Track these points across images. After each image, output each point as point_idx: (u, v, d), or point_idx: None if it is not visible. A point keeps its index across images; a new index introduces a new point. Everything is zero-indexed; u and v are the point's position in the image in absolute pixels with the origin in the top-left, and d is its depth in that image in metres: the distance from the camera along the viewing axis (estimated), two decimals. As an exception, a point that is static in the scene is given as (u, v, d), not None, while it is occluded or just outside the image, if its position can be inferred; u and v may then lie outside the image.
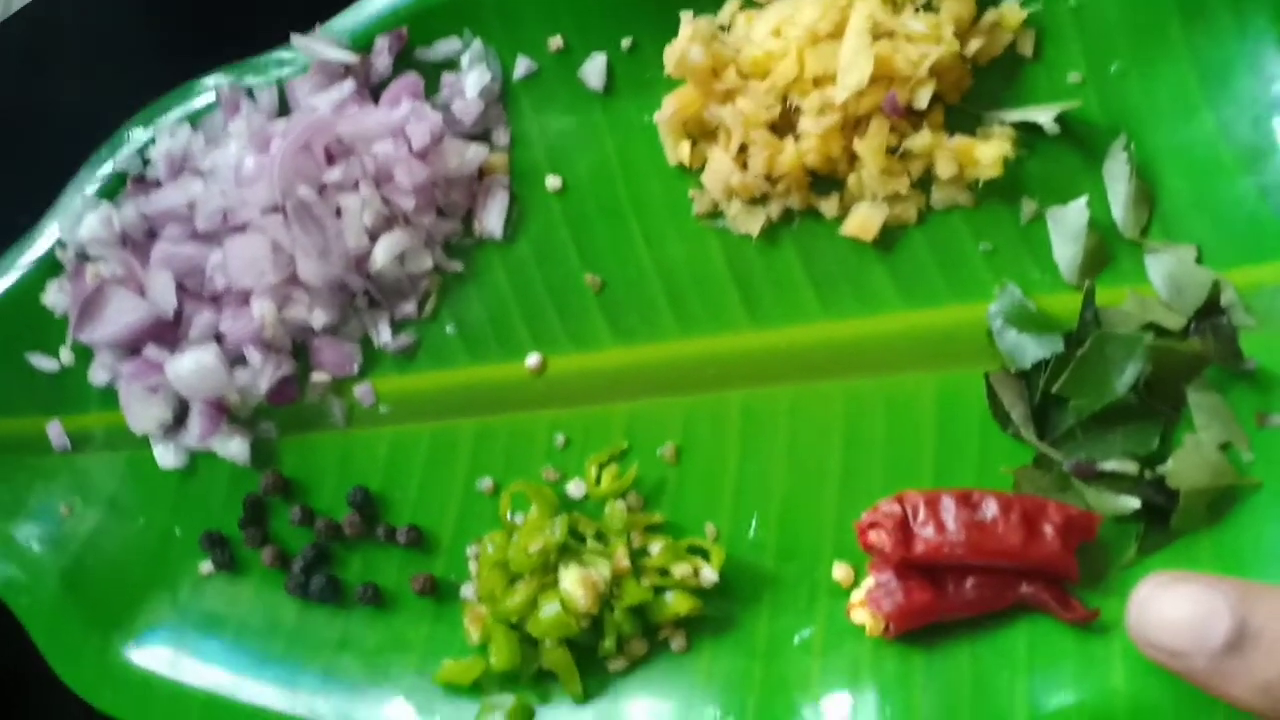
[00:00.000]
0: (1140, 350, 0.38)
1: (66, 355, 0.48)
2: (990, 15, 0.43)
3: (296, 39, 0.46)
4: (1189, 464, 0.37)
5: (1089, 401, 0.38)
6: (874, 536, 0.38)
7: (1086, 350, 0.38)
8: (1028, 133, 0.42)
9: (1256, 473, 0.38)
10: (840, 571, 0.41)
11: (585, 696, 0.41)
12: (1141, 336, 0.38)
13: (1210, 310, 0.39)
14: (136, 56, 0.50)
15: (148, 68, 0.49)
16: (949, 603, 0.38)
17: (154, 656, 0.45)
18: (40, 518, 0.47)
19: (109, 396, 0.48)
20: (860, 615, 0.39)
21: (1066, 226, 0.41)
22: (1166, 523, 0.38)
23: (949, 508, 0.38)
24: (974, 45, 0.43)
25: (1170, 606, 0.32)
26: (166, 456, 0.46)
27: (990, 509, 0.38)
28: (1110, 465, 0.38)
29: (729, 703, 0.40)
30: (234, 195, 0.44)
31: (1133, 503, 0.38)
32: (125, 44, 0.50)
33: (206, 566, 0.45)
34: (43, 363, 0.48)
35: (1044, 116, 0.42)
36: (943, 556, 0.38)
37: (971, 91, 0.43)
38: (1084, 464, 0.39)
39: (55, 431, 0.48)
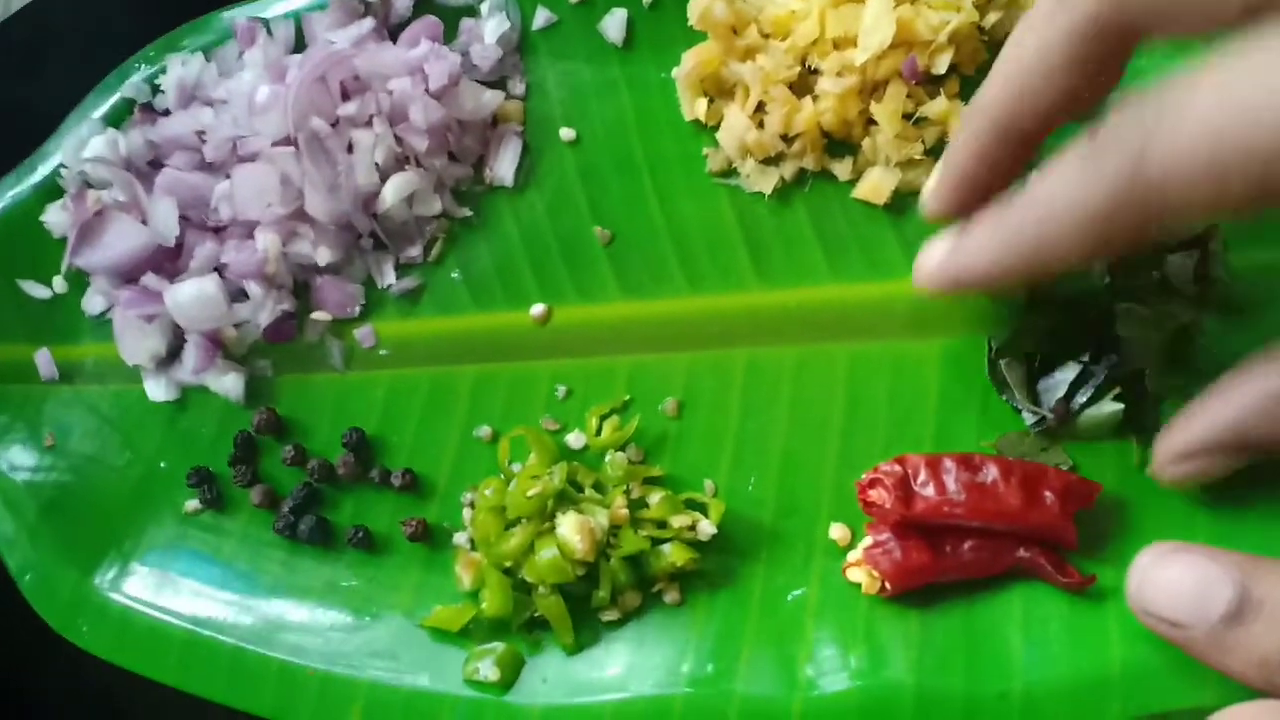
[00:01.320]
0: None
1: (60, 283, 0.47)
2: (1009, -11, 0.43)
3: (317, -26, 0.46)
4: (1131, 317, 0.39)
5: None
6: (874, 494, 0.38)
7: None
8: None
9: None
10: (837, 531, 0.41)
11: (576, 647, 0.40)
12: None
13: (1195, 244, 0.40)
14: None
15: None
16: (946, 564, 0.38)
17: (134, 593, 0.44)
18: (23, 446, 0.46)
19: (101, 328, 0.47)
20: (857, 574, 0.39)
21: None
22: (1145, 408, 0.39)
23: (950, 469, 0.38)
24: (992, 18, 0.43)
25: (1171, 576, 0.32)
26: (158, 390, 0.46)
27: (991, 472, 0.38)
28: (1068, 373, 0.39)
29: (721, 657, 0.40)
30: (245, 124, 0.44)
31: (1113, 405, 0.39)
32: (125, 44, 0.49)
33: (193, 504, 0.45)
34: (35, 290, 0.47)
35: (1059, 90, 0.42)
36: (942, 516, 0.38)
37: (986, 64, 0.44)
38: (1059, 405, 0.39)
39: (44, 359, 0.47)
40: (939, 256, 0.36)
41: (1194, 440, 0.35)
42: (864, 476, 0.39)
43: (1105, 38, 0.31)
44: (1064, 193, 0.30)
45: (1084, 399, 0.39)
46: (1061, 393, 0.39)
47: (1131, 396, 0.39)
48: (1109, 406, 0.39)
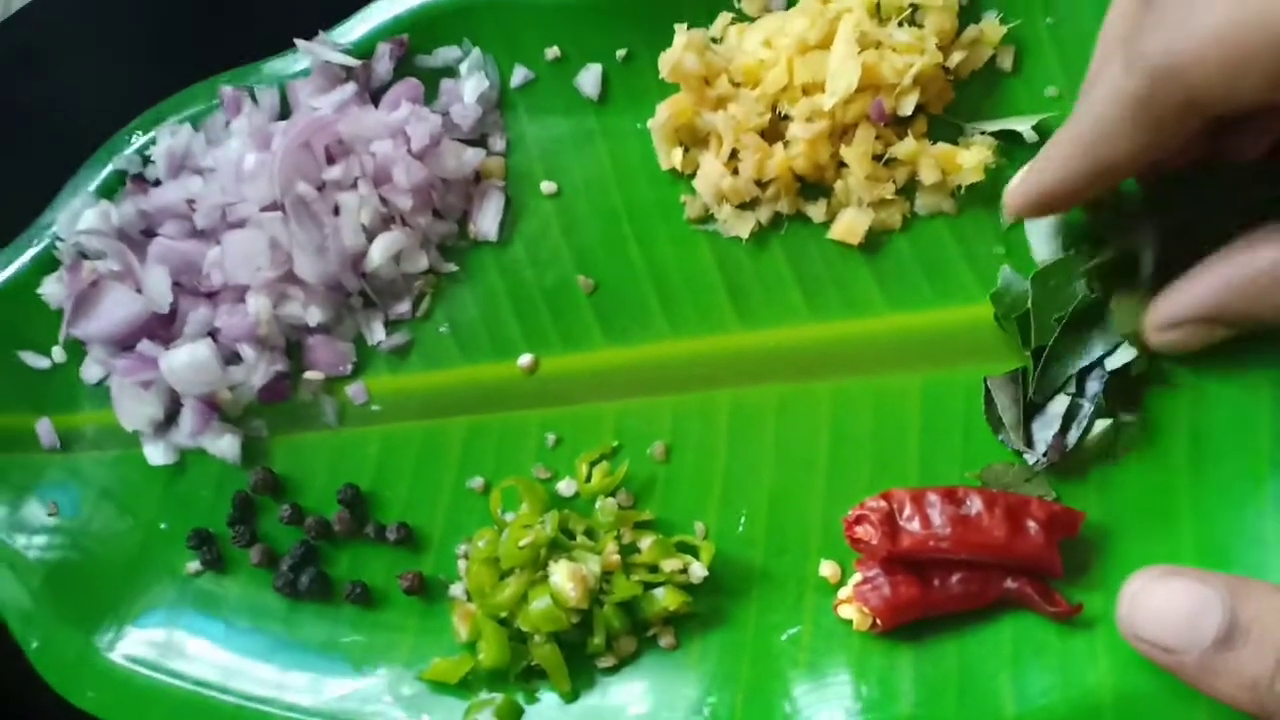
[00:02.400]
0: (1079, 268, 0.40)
1: (59, 353, 0.48)
2: (972, 30, 0.45)
3: (300, 43, 0.47)
4: (1124, 305, 0.39)
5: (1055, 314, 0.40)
6: (860, 531, 0.39)
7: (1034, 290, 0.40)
8: (1008, 142, 0.44)
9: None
10: (827, 569, 0.41)
11: (573, 694, 0.41)
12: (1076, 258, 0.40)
13: None
14: (136, 57, 0.51)
15: (148, 68, 0.50)
16: (935, 598, 0.39)
17: (137, 655, 0.44)
18: (26, 515, 0.47)
19: (99, 395, 0.48)
20: (847, 611, 0.40)
21: (1043, 230, 0.42)
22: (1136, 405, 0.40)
23: (934, 503, 0.39)
24: (956, 58, 0.44)
25: (1162, 600, 0.32)
26: (156, 454, 0.46)
27: (975, 504, 0.38)
28: (1058, 406, 0.40)
29: (717, 699, 0.40)
30: (234, 191, 0.45)
31: (1102, 423, 0.39)
32: (125, 44, 0.51)
33: (194, 565, 0.45)
34: (35, 360, 0.48)
35: (1023, 126, 0.43)
36: (928, 550, 0.38)
37: (953, 103, 0.45)
38: (1055, 440, 0.40)
39: (45, 429, 0.48)
40: (1020, 180, 0.38)
41: (1181, 310, 0.37)
42: (850, 513, 0.39)
43: (1168, 111, 0.32)
44: (1106, 90, 0.32)
45: (1078, 432, 0.40)
46: (1055, 428, 0.40)
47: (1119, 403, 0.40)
48: (1099, 426, 0.40)
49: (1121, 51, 0.32)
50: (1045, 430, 0.40)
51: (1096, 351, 0.40)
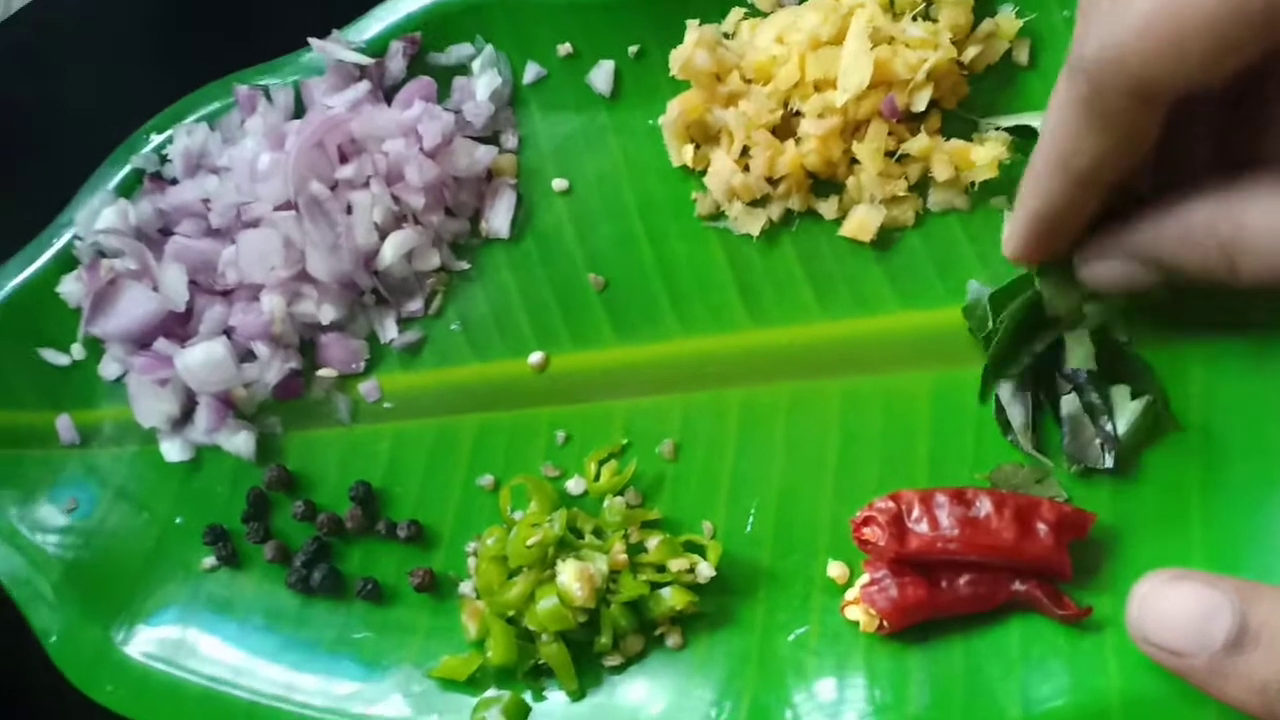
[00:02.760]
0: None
1: (78, 350, 0.49)
2: (987, 24, 0.44)
3: (314, 41, 0.47)
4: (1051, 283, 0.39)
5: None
6: (868, 532, 0.39)
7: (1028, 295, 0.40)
8: (1023, 138, 0.43)
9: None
10: (836, 569, 0.41)
11: (580, 693, 0.41)
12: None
13: None
14: (138, 57, 0.51)
15: (150, 68, 0.51)
16: (943, 600, 0.38)
17: (153, 650, 0.45)
18: (45, 510, 0.48)
19: (117, 392, 0.49)
20: (854, 612, 0.40)
21: None
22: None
23: (943, 504, 0.38)
24: (971, 52, 0.44)
25: (1171, 604, 0.32)
26: (173, 451, 0.47)
27: (984, 506, 0.38)
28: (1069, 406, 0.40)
29: (724, 699, 0.40)
30: (248, 191, 0.46)
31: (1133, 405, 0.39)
32: (126, 44, 0.51)
33: (209, 561, 0.46)
34: (55, 357, 0.49)
35: (1039, 121, 0.42)
36: (936, 552, 0.38)
37: (968, 99, 0.44)
38: (1070, 445, 0.39)
39: (64, 425, 0.48)
40: (1009, 227, 0.38)
41: (1111, 243, 0.36)
42: (858, 514, 0.39)
43: (1119, 105, 0.32)
44: (1058, 101, 0.33)
45: (1094, 429, 0.39)
46: (1068, 430, 0.40)
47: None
48: (1127, 415, 0.39)
49: (1066, 65, 0.32)
50: (1074, 438, 0.40)
51: (1039, 345, 0.40)
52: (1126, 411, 0.39)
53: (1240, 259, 0.32)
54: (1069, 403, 0.40)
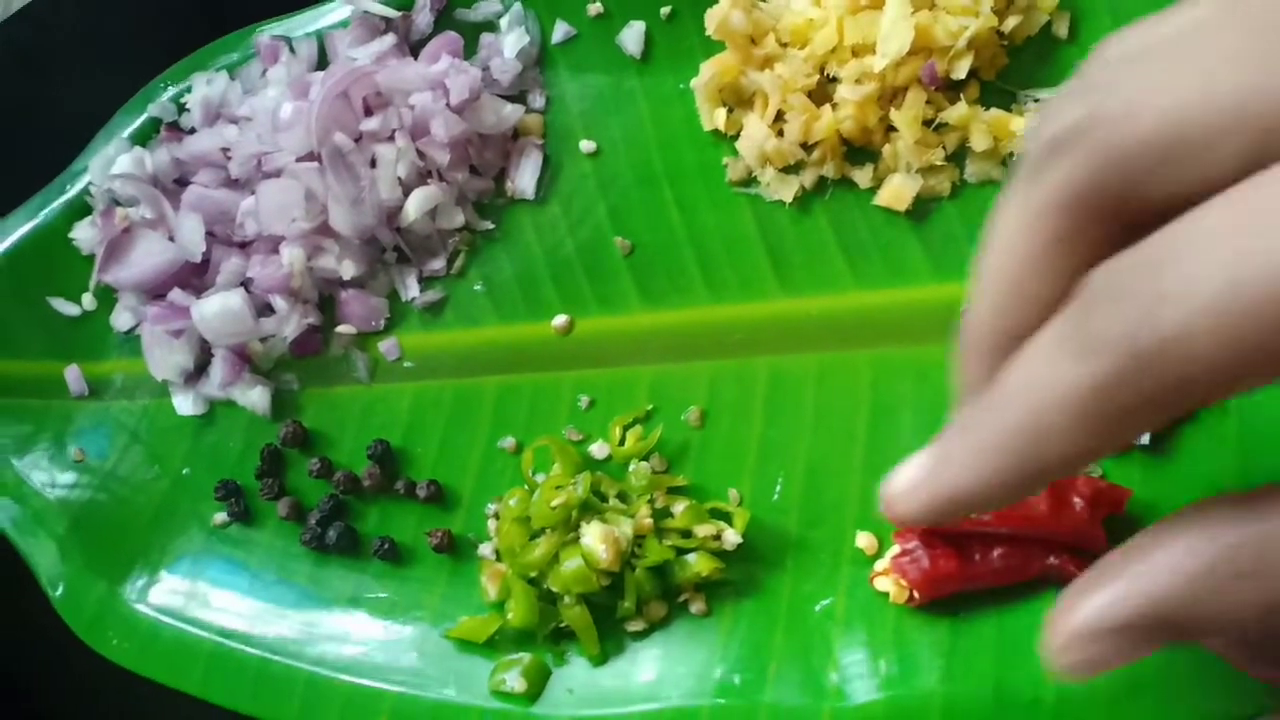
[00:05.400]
0: None
1: (88, 300, 0.48)
2: (1028, -6, 0.43)
3: (340, -9, 0.46)
4: None
5: None
6: None
7: None
8: (1063, 110, 0.42)
9: None
10: (864, 540, 0.40)
11: (602, 658, 0.40)
12: None
13: None
14: (138, 57, 0.50)
15: (149, 68, 0.50)
16: (974, 572, 0.38)
17: (161, 604, 0.44)
18: (53, 461, 0.47)
19: (129, 344, 0.47)
20: (884, 583, 0.39)
21: None
22: None
23: None
24: (1011, 23, 0.43)
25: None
26: (185, 404, 0.46)
27: None
28: None
29: (749, 667, 0.39)
30: (270, 141, 0.45)
31: None
32: (126, 44, 0.50)
33: (220, 517, 0.45)
34: (65, 307, 0.48)
35: (1080, 93, 0.42)
36: (969, 524, 0.37)
37: (1006, 70, 0.44)
38: None
39: (73, 376, 0.47)
40: (912, 479, 0.26)
41: (1103, 617, 0.23)
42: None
43: (1085, 213, 0.23)
44: (1051, 378, 0.21)
45: None
46: None
47: None
48: None
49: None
50: None
51: None
52: None
53: None
54: None
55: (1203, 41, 0.20)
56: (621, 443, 0.43)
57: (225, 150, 0.46)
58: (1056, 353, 0.21)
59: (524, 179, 0.46)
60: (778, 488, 0.42)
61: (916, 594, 0.38)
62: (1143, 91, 0.21)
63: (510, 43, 0.47)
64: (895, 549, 0.39)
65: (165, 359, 0.45)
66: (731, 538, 0.40)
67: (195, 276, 0.46)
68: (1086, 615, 0.23)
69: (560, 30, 0.47)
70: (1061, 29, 0.44)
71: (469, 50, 0.47)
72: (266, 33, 0.48)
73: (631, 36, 0.47)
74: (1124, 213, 0.22)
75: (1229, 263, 0.19)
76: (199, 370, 0.46)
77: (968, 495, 0.24)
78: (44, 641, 0.44)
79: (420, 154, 0.45)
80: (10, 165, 0.49)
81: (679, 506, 0.41)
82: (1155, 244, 0.20)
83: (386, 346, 0.46)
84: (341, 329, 0.46)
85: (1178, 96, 0.20)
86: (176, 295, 0.45)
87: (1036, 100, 0.43)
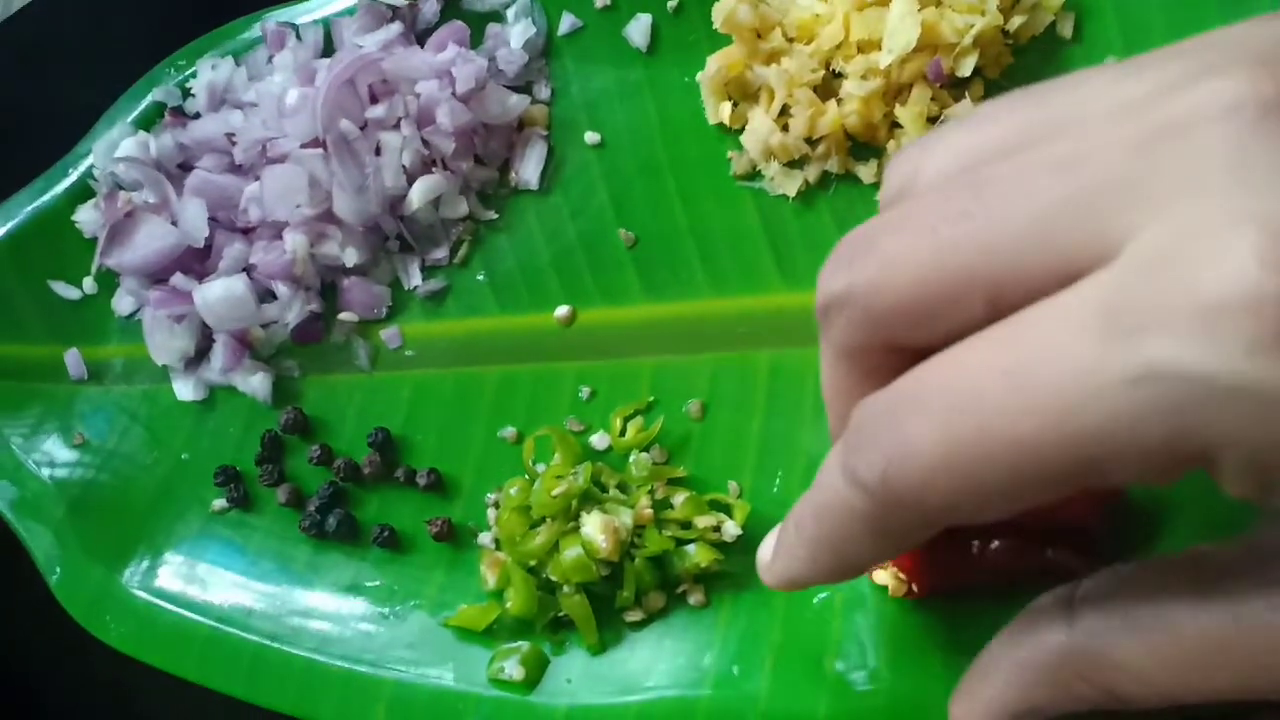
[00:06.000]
0: None
1: (89, 285, 0.48)
2: (1033, -6, 0.44)
3: (346, -22, 0.46)
4: None
5: None
6: None
7: None
8: (1067, 109, 0.43)
9: None
10: (863, 534, 0.40)
11: (600, 647, 0.40)
12: None
13: None
14: (138, 57, 0.50)
15: (149, 68, 0.49)
16: (973, 565, 0.38)
17: (159, 589, 0.44)
18: (52, 444, 0.46)
19: (130, 329, 0.47)
20: (882, 577, 0.39)
21: None
22: None
23: None
24: (1016, 22, 0.43)
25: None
26: (186, 390, 0.46)
27: None
28: None
29: (746, 659, 0.39)
30: (275, 126, 0.44)
31: None
32: (126, 44, 0.50)
33: (219, 503, 0.45)
34: (66, 290, 0.48)
35: (1084, 92, 0.42)
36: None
37: (1011, 69, 0.44)
38: None
39: (73, 359, 0.47)
40: (764, 559, 0.33)
41: (986, 716, 0.30)
42: None
43: (866, 359, 0.27)
44: (837, 498, 0.26)
45: None
46: None
47: None
48: None
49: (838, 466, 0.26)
50: None
51: None
52: None
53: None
54: None
55: (934, 205, 0.24)
56: (622, 434, 0.43)
57: (230, 135, 0.46)
58: (838, 477, 0.26)
59: (528, 169, 0.47)
60: (778, 480, 0.42)
61: (915, 587, 0.38)
62: (886, 265, 0.24)
63: (517, 33, 0.47)
64: (894, 542, 0.39)
65: (166, 344, 0.45)
66: (731, 529, 0.40)
67: (197, 262, 0.46)
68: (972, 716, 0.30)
69: (567, 22, 0.48)
70: (1066, 29, 0.44)
71: (475, 40, 0.48)
72: (273, 19, 0.48)
73: (638, 29, 0.47)
74: (897, 353, 0.25)
75: (944, 424, 0.23)
76: (200, 355, 0.46)
77: (803, 579, 0.31)
78: (40, 630, 0.44)
79: (425, 142, 0.45)
80: (10, 165, 0.49)
81: (679, 498, 0.41)
82: (898, 390, 0.24)
83: (388, 334, 0.46)
84: (343, 316, 0.46)
85: (915, 269, 0.24)
86: (179, 280, 0.45)
87: (1040, 99, 0.43)
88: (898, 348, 0.25)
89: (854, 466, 0.25)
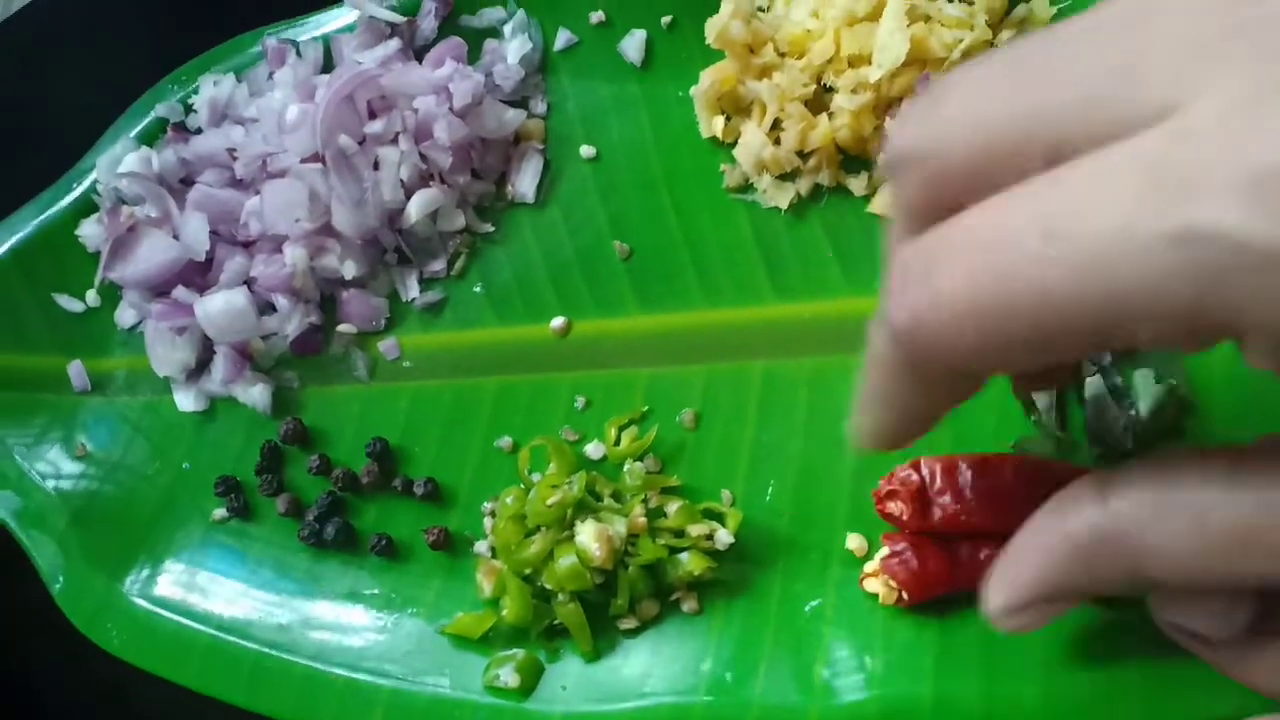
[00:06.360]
0: None
1: (92, 297, 0.49)
2: (1021, 9, 0.44)
3: (346, -2, 0.47)
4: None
5: None
6: (891, 506, 0.39)
7: None
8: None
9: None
10: (854, 542, 0.41)
11: (595, 654, 0.41)
12: None
13: None
14: (138, 57, 0.51)
15: (149, 68, 0.50)
16: (964, 572, 0.38)
17: (160, 598, 0.44)
18: (55, 455, 0.47)
19: (132, 341, 0.48)
20: (874, 584, 0.40)
21: None
22: None
23: (965, 475, 0.38)
24: (1004, 36, 0.44)
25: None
26: (187, 401, 0.47)
27: (1007, 476, 0.38)
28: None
29: (739, 666, 0.40)
30: (275, 142, 0.45)
31: (1157, 388, 0.39)
32: (127, 44, 0.51)
33: (220, 512, 0.45)
34: (69, 303, 0.49)
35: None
36: (959, 525, 0.38)
37: (1000, 82, 0.45)
38: (1094, 426, 0.39)
39: (76, 371, 0.48)
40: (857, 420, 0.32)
41: (1016, 597, 0.30)
42: (880, 485, 0.39)
43: (930, 216, 0.26)
44: (876, 346, 0.28)
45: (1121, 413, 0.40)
46: (1092, 412, 0.40)
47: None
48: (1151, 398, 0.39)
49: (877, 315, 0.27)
50: (1097, 419, 0.40)
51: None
52: (1149, 395, 0.40)
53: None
54: (1093, 384, 0.40)
55: (1001, 61, 0.24)
56: (617, 443, 0.44)
57: (231, 151, 0.47)
58: (879, 325, 0.27)
59: (524, 183, 0.47)
60: (770, 489, 0.42)
61: (906, 595, 0.39)
62: (951, 121, 0.25)
63: (513, 49, 0.48)
64: (884, 550, 0.39)
65: (168, 355, 0.46)
66: (724, 537, 0.41)
67: (199, 275, 0.47)
68: (997, 604, 0.31)
69: (562, 37, 0.48)
70: (1054, 43, 0.44)
71: (472, 56, 0.48)
72: (273, 36, 0.49)
73: (632, 44, 0.47)
74: (951, 206, 0.25)
75: (973, 271, 0.23)
76: (201, 367, 0.47)
77: (871, 435, 0.31)
78: (40, 635, 0.45)
79: (423, 157, 0.46)
80: (10, 165, 0.50)
81: (672, 506, 0.41)
82: (935, 236, 0.24)
83: (386, 346, 0.47)
84: (342, 328, 0.47)
85: (976, 124, 0.24)
86: (180, 293, 0.46)
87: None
88: (947, 206, 0.25)
89: (890, 312, 0.25)
